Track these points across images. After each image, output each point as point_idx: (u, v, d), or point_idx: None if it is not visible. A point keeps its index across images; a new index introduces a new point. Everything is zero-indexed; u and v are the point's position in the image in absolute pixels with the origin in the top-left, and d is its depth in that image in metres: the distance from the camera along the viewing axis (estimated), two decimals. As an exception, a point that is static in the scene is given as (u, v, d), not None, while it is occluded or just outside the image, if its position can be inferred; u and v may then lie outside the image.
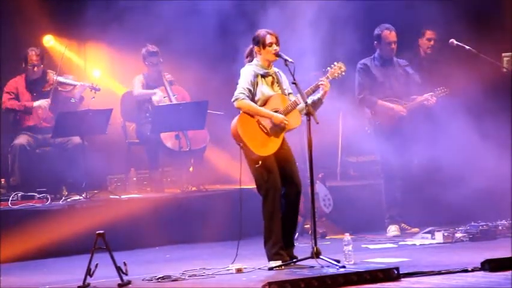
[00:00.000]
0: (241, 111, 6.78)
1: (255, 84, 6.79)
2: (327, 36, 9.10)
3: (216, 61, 9.96)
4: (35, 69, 9.21)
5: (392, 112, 8.69)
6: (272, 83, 6.90)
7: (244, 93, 6.73)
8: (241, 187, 7.00)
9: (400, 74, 8.83)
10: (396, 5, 9.35)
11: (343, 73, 7.00)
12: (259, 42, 6.84)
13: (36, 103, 9.15)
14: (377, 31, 8.76)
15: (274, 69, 6.96)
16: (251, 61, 6.93)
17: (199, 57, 9.97)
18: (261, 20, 8.65)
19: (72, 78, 9.43)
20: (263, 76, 6.85)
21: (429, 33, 9.35)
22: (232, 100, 6.77)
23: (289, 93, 6.95)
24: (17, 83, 9.26)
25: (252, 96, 6.78)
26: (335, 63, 6.99)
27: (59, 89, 9.27)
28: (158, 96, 9.55)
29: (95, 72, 10.55)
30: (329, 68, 6.97)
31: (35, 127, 9.15)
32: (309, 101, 6.74)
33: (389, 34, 8.71)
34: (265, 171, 6.72)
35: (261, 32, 6.88)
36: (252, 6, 9.36)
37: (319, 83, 6.85)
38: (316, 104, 6.86)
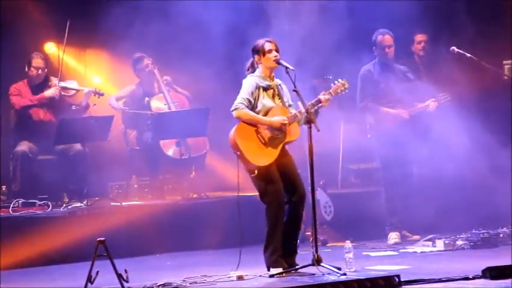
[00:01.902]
0: (240, 121, 6.79)
1: (256, 96, 6.82)
2: (327, 42, 9.16)
3: (218, 66, 9.95)
4: (40, 71, 9.22)
5: (395, 117, 8.69)
6: (273, 96, 6.93)
7: (243, 103, 6.76)
8: (240, 194, 6.99)
9: (401, 79, 8.84)
10: (394, 11, 9.36)
11: (346, 90, 7.05)
12: (259, 51, 6.87)
13: (47, 93, 9.14)
14: (373, 37, 8.83)
15: (276, 81, 6.98)
16: (253, 72, 6.95)
17: (200, 60, 9.95)
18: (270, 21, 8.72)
19: (75, 83, 9.44)
20: (265, 89, 6.87)
21: (418, 37, 9.37)
22: (231, 109, 6.79)
23: (289, 106, 6.97)
24: (18, 89, 9.26)
25: (251, 107, 6.80)
26: (339, 79, 7.04)
27: (62, 93, 9.28)
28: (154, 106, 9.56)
29: (95, 78, 10.56)
30: (332, 85, 7.02)
31: (36, 133, 9.14)
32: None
33: (383, 38, 8.77)
34: (266, 181, 6.73)
35: (260, 41, 6.91)
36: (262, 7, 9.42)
37: (320, 98, 6.87)
38: (313, 114, 6.87)
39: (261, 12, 9.62)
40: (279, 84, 6.99)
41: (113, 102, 9.64)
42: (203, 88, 10.07)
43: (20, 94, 9.21)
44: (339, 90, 6.99)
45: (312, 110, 6.79)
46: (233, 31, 9.35)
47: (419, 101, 8.79)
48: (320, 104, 6.85)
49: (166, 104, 9.64)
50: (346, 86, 7.02)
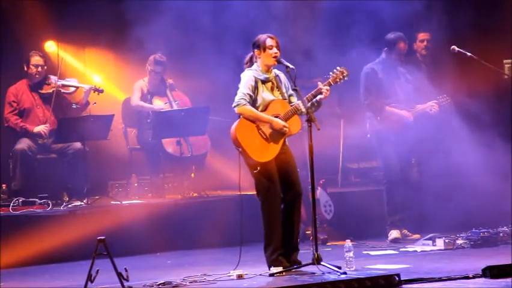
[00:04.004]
0: (241, 117, 6.78)
1: (255, 90, 6.80)
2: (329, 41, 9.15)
3: (217, 66, 9.94)
4: (39, 69, 9.20)
5: (400, 118, 8.66)
6: (272, 89, 6.91)
7: (245, 99, 6.74)
8: (242, 193, 6.99)
9: (403, 80, 8.82)
10: (396, 10, 9.35)
11: (346, 78, 6.92)
12: (260, 46, 6.85)
13: (36, 129, 9.12)
14: (391, 38, 8.72)
15: (274, 72, 6.94)
16: (250, 67, 6.94)
17: (199, 61, 9.95)
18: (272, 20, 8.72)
19: (74, 81, 9.43)
20: (263, 82, 6.85)
21: (421, 35, 9.33)
22: (233, 106, 6.78)
23: (289, 95, 6.92)
24: (17, 89, 9.23)
25: (252, 101, 6.78)
26: (338, 67, 6.92)
27: (62, 91, 9.26)
28: (157, 106, 9.57)
29: (94, 77, 10.56)
30: (331, 73, 6.92)
31: (36, 132, 9.13)
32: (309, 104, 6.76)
33: (404, 46, 8.71)
34: (265, 178, 6.72)
35: (262, 36, 6.89)
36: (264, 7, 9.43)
37: (319, 89, 6.83)
38: (315, 106, 6.85)
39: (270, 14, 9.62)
40: (277, 75, 6.95)
41: (148, 105, 9.60)
42: (204, 86, 10.07)
43: (16, 100, 9.16)
44: (338, 79, 6.89)
45: (312, 104, 6.77)
46: (241, 32, 9.33)
47: (419, 102, 8.78)
48: (320, 95, 6.80)
49: (166, 103, 9.64)
50: (345, 73, 6.90)
